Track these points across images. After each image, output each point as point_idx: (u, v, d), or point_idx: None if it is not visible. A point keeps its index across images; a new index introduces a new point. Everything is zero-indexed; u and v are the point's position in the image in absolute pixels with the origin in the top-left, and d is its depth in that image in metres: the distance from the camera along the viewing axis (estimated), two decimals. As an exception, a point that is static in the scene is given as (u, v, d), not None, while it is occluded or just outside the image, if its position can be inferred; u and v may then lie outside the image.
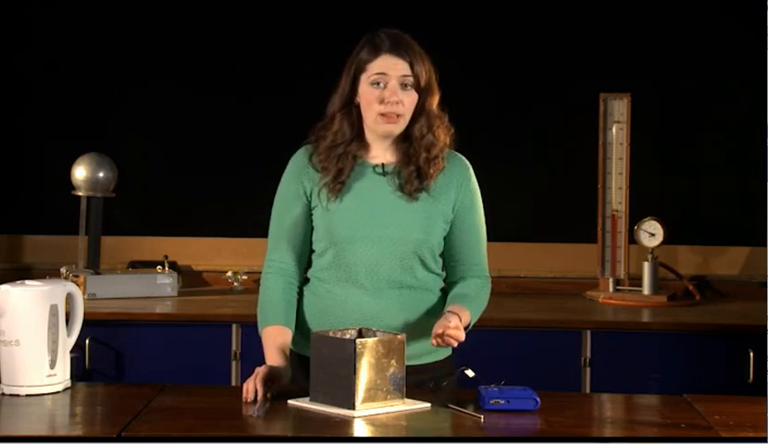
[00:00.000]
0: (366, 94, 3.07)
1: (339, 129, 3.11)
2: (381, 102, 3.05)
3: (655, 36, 4.86)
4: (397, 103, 3.05)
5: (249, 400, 2.89)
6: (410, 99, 3.07)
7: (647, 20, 4.86)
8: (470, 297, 3.15)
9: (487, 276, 3.21)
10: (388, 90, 3.05)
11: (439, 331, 2.95)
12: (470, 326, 3.11)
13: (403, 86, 3.06)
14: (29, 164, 4.95)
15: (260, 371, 2.95)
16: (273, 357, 3.03)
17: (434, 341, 2.96)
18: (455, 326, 2.95)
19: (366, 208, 3.10)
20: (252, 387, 2.91)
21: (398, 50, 3.06)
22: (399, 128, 3.08)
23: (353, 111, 3.11)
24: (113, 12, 4.91)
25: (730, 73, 4.85)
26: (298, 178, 3.17)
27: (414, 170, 3.10)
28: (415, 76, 3.05)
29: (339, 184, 3.10)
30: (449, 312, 3.04)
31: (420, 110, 3.09)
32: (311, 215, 3.15)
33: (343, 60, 3.13)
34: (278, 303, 3.12)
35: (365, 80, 3.07)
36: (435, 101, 3.11)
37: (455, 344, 2.97)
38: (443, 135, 3.12)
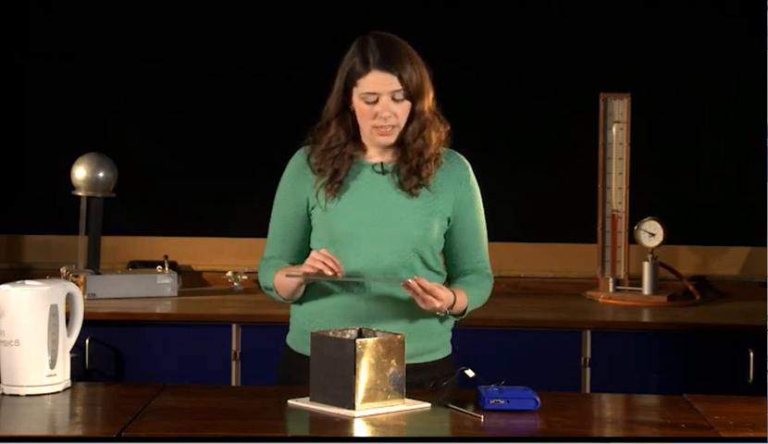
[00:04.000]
0: (359, 108, 3.09)
1: (334, 134, 3.13)
2: (374, 117, 3.07)
3: (655, 36, 4.86)
4: (390, 116, 3.07)
5: (341, 275, 2.98)
6: (402, 109, 3.09)
7: (647, 20, 4.86)
8: (470, 284, 3.17)
9: (489, 273, 3.22)
10: (379, 105, 3.07)
11: (414, 284, 2.97)
12: (466, 313, 3.13)
13: (395, 98, 3.07)
14: (29, 164, 4.95)
15: (322, 253, 2.99)
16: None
17: (412, 283, 2.97)
18: (436, 291, 2.99)
19: (365, 206, 3.11)
20: (333, 264, 2.98)
21: (386, 64, 3.06)
22: (394, 138, 3.11)
23: (347, 117, 3.13)
24: (113, 12, 4.91)
25: (730, 73, 4.85)
26: (296, 180, 3.18)
27: (411, 169, 3.11)
28: (405, 87, 3.06)
29: (336, 184, 3.12)
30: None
31: (411, 115, 3.10)
32: (309, 215, 3.16)
33: (340, 62, 3.14)
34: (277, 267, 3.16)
35: (356, 94, 3.09)
36: (426, 103, 3.11)
37: (425, 297, 2.98)
38: (436, 136, 3.13)
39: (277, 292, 3.16)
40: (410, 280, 2.99)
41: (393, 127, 3.09)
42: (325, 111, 3.16)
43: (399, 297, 3.09)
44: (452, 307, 3.09)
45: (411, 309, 3.10)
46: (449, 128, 3.17)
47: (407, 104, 3.09)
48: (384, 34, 3.12)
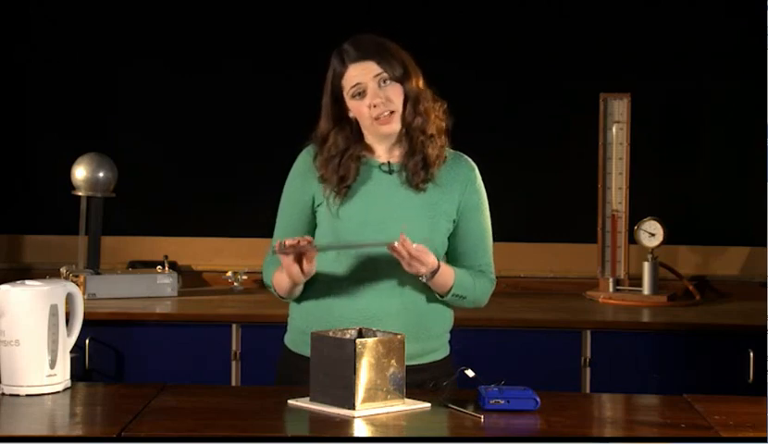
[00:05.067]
0: (354, 108, 3.10)
1: (332, 144, 3.13)
2: (369, 108, 3.07)
3: (655, 36, 4.86)
4: (383, 102, 3.06)
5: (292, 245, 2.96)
6: (395, 92, 3.08)
7: (647, 20, 4.86)
8: (466, 272, 3.14)
9: (491, 277, 3.21)
10: (369, 95, 3.07)
11: (401, 247, 2.95)
12: (451, 292, 3.10)
13: (382, 83, 3.07)
14: (29, 164, 4.95)
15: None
16: None
17: (398, 246, 2.96)
18: (422, 257, 2.97)
19: (372, 206, 3.11)
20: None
21: (361, 54, 3.07)
22: (396, 124, 3.10)
23: (345, 127, 3.13)
24: (113, 12, 4.91)
25: (730, 73, 4.85)
26: (303, 178, 3.18)
27: (419, 160, 3.10)
28: (386, 69, 3.07)
29: (344, 188, 3.11)
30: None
31: (405, 98, 3.10)
32: (315, 213, 3.16)
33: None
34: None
35: (347, 96, 3.10)
36: (415, 83, 3.11)
37: (410, 262, 2.97)
38: (434, 113, 3.12)
39: (275, 290, 3.17)
40: (396, 244, 2.97)
41: (392, 112, 3.08)
42: (318, 127, 3.15)
43: (402, 298, 3.10)
44: (434, 273, 3.06)
45: (413, 310, 3.10)
46: (446, 106, 3.16)
47: (397, 86, 3.08)
48: (355, 35, 3.13)
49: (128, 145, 4.88)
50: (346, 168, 3.12)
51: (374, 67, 3.07)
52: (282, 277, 3.10)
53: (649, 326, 4.28)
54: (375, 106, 3.07)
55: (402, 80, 3.09)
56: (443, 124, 3.15)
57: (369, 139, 3.15)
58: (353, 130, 3.13)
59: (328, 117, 3.13)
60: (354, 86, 3.07)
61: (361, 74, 3.07)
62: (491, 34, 4.89)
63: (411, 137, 3.12)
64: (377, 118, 3.08)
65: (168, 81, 4.92)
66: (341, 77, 3.09)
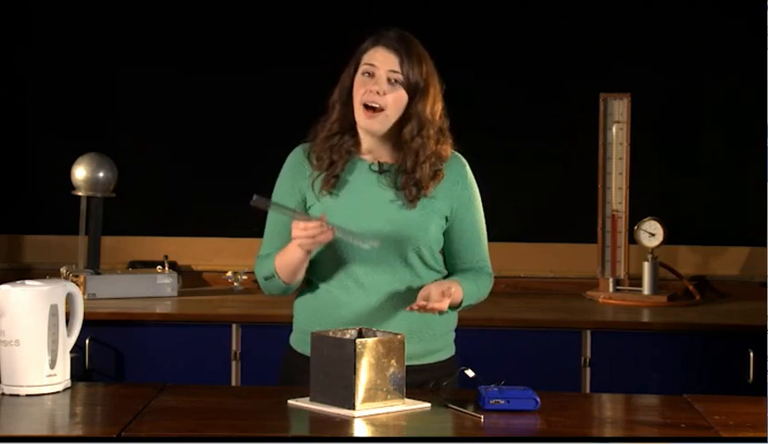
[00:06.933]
0: (356, 82, 3.10)
1: (335, 120, 3.13)
2: (365, 92, 3.06)
3: (655, 36, 4.86)
4: (378, 93, 3.05)
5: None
6: (395, 96, 3.07)
7: (647, 20, 4.86)
8: (466, 278, 3.15)
9: (489, 272, 3.22)
10: (373, 80, 3.06)
11: (422, 303, 2.98)
12: (461, 306, 3.12)
13: (391, 81, 3.06)
14: (29, 164, 4.96)
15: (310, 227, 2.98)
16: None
17: (414, 306, 2.99)
18: (438, 296, 2.99)
19: (363, 205, 3.10)
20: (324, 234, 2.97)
21: (393, 45, 3.07)
22: (378, 123, 3.08)
23: (349, 103, 3.12)
24: (113, 11, 4.91)
25: (730, 73, 4.85)
26: (294, 176, 3.18)
27: (409, 178, 3.09)
28: (404, 73, 3.06)
29: (332, 178, 3.11)
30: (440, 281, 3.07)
31: (411, 113, 3.08)
32: (307, 213, 3.14)
33: (342, 61, 3.14)
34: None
35: (360, 68, 3.09)
36: (429, 106, 3.09)
37: (436, 312, 3.01)
38: (435, 143, 3.10)
39: (279, 277, 3.13)
40: (418, 303, 3.00)
41: (379, 110, 3.07)
42: (330, 97, 3.15)
43: (400, 297, 3.09)
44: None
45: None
46: (451, 141, 3.16)
47: (401, 93, 3.07)
48: (403, 30, 3.13)
49: (128, 145, 4.88)
50: (338, 155, 3.11)
51: (394, 64, 3.06)
52: (287, 257, 3.07)
53: (649, 326, 4.28)
54: (369, 92, 3.06)
55: (413, 94, 3.07)
56: (443, 158, 3.13)
57: (359, 131, 3.13)
58: (352, 111, 3.12)
59: (343, 87, 3.12)
60: (369, 65, 3.07)
61: (380, 60, 3.06)
62: (491, 34, 4.89)
63: (403, 152, 3.11)
64: (364, 105, 3.06)
65: (169, 81, 4.92)
66: (365, 52, 3.09)
